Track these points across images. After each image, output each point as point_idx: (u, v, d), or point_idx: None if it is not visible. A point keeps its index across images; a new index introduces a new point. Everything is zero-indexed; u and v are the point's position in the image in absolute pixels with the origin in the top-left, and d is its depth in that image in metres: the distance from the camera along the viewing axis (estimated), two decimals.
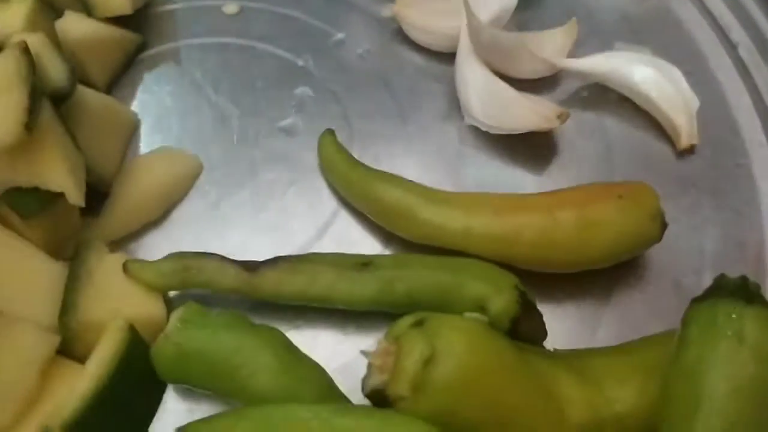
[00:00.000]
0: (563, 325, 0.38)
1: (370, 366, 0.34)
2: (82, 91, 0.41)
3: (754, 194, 0.42)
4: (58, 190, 0.36)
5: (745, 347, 0.30)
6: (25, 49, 0.37)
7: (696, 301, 0.32)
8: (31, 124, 0.34)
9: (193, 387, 0.36)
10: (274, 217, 0.42)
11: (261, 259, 0.38)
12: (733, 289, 0.32)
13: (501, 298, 0.36)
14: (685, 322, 0.32)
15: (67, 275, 0.36)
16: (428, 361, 0.32)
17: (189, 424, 0.32)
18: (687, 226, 0.41)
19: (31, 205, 0.36)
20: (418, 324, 0.33)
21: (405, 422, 0.30)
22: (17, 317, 0.35)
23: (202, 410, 0.37)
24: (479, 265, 0.37)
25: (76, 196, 0.36)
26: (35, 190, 0.36)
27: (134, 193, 0.41)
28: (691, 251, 0.40)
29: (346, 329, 0.39)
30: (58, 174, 0.36)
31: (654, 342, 0.36)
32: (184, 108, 0.45)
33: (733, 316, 0.31)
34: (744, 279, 0.32)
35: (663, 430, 0.31)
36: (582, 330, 0.39)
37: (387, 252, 0.41)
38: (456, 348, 0.32)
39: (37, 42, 0.40)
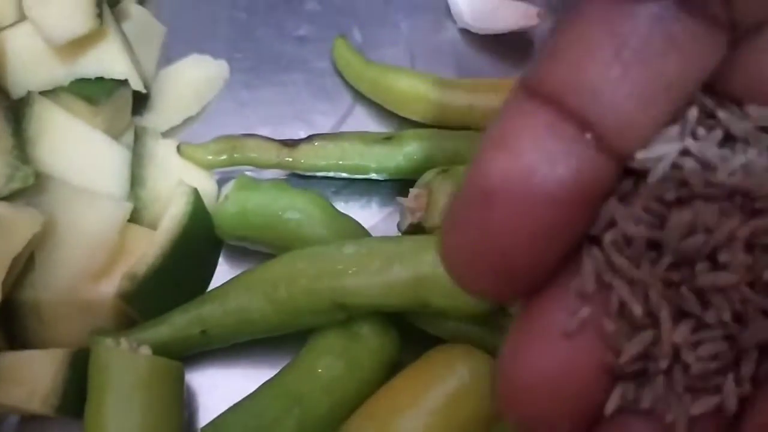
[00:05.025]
0: None
1: (404, 210, 0.40)
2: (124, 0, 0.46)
3: None
4: (122, 77, 0.41)
5: None
6: None
7: None
8: (100, 15, 0.39)
9: (248, 242, 0.42)
10: (297, 111, 0.48)
11: None
12: None
13: None
14: None
15: (131, 157, 0.42)
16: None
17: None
18: None
19: (98, 93, 0.41)
20: (444, 171, 0.40)
21: None
22: (96, 191, 0.40)
23: None
24: None
25: (137, 83, 0.42)
26: (100, 80, 0.41)
27: (173, 92, 0.46)
28: None
29: (371, 199, 0.45)
30: (121, 63, 0.41)
31: None
32: (207, 22, 0.50)
33: None
34: None
35: None
36: None
37: None
38: None
39: None
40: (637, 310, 0.19)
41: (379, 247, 0.37)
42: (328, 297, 0.37)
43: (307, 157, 0.43)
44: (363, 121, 0.48)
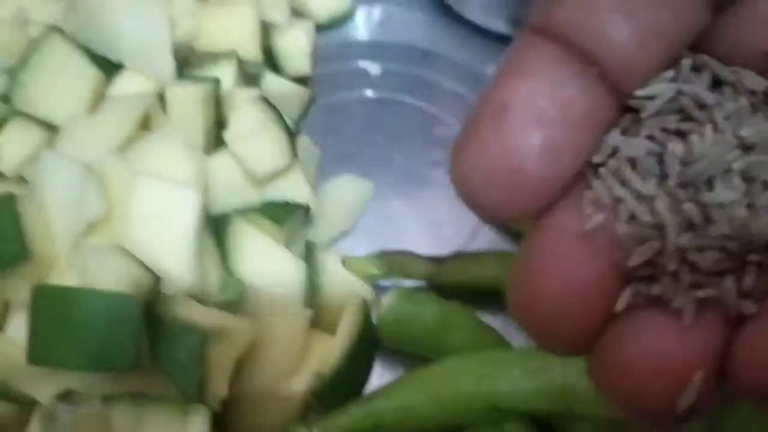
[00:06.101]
0: None
1: None
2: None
3: None
4: (304, 202, 0.49)
5: None
6: (267, 102, 0.50)
7: None
8: (295, 152, 0.47)
9: (404, 346, 0.49)
10: (435, 227, 0.55)
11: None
12: None
13: None
14: None
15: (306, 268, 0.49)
16: None
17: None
18: None
19: (283, 214, 0.48)
20: None
21: None
22: (282, 301, 0.47)
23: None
24: None
25: (314, 206, 0.50)
26: (284, 203, 0.49)
27: (330, 208, 0.54)
28: None
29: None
30: (304, 191, 0.49)
31: None
32: (354, 147, 0.59)
33: None
34: None
35: None
36: None
37: None
38: None
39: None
40: (647, 217, 0.20)
41: (531, 356, 0.44)
42: (486, 399, 0.43)
43: (453, 272, 0.50)
44: (492, 235, 0.55)
